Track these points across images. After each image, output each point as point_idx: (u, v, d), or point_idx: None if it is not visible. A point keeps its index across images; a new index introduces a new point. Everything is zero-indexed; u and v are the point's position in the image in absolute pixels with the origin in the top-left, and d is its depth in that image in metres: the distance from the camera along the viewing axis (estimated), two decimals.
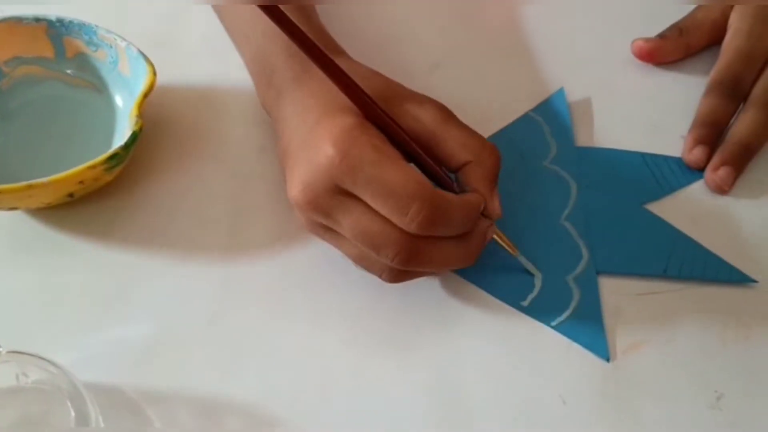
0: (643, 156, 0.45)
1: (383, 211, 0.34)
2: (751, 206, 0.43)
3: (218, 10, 0.47)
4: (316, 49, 0.34)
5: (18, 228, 0.41)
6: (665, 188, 0.44)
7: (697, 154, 0.44)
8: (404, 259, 0.35)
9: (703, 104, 0.47)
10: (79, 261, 0.40)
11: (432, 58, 0.50)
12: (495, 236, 0.38)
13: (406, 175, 0.33)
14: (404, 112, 0.37)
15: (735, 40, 0.48)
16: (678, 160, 0.45)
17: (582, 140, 0.46)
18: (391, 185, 0.33)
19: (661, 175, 0.44)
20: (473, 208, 0.36)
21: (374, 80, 0.38)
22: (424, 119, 0.36)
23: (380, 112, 0.35)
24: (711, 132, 0.45)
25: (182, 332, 0.37)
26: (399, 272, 0.36)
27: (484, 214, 0.37)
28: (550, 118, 0.46)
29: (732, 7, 0.49)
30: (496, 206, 0.37)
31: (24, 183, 0.36)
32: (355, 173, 0.33)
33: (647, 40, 0.50)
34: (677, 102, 0.48)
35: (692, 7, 0.51)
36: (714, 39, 0.50)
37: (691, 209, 0.43)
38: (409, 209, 0.33)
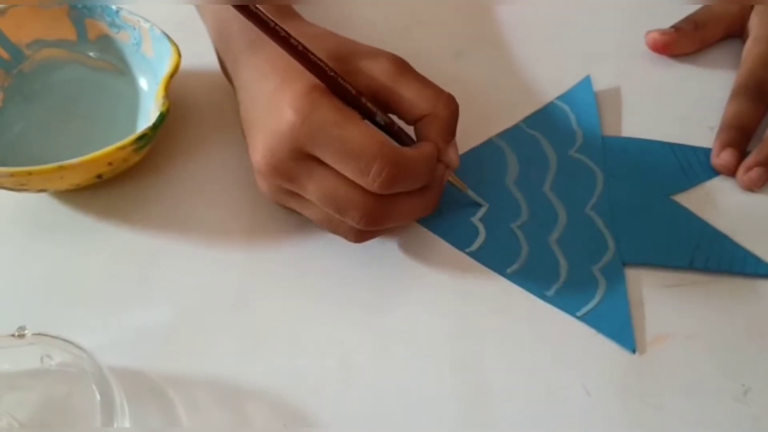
0: (671, 146, 0.44)
1: (346, 172, 0.34)
2: None
3: None
4: (260, 16, 0.33)
5: (45, 210, 0.41)
6: (693, 179, 0.43)
7: (725, 158, 0.44)
8: (369, 220, 0.36)
9: (729, 109, 0.46)
10: (104, 244, 0.40)
11: (456, 46, 0.50)
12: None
13: (365, 135, 0.34)
14: (358, 70, 0.37)
15: (756, 47, 0.48)
16: (706, 151, 0.44)
17: (608, 130, 0.45)
18: (351, 146, 0.34)
19: (689, 165, 0.44)
20: (431, 159, 0.36)
21: (326, 40, 0.38)
22: (378, 74, 0.37)
23: (332, 74, 0.35)
24: (738, 135, 0.45)
25: (205, 316, 0.37)
26: (364, 232, 0.38)
27: (441, 161, 0.37)
28: (576, 107, 0.46)
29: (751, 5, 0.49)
30: (452, 157, 0.38)
31: (56, 164, 0.36)
32: (316, 136, 0.34)
33: (663, 32, 0.50)
34: (704, 92, 0.48)
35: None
36: (730, 33, 0.50)
37: (719, 201, 0.42)
38: (370, 169, 0.34)
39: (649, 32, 0.50)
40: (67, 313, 0.37)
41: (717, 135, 0.45)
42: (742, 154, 0.44)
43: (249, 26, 0.35)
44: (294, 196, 0.37)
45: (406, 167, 0.35)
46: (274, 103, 0.35)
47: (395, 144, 0.35)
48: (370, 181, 0.34)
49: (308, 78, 0.35)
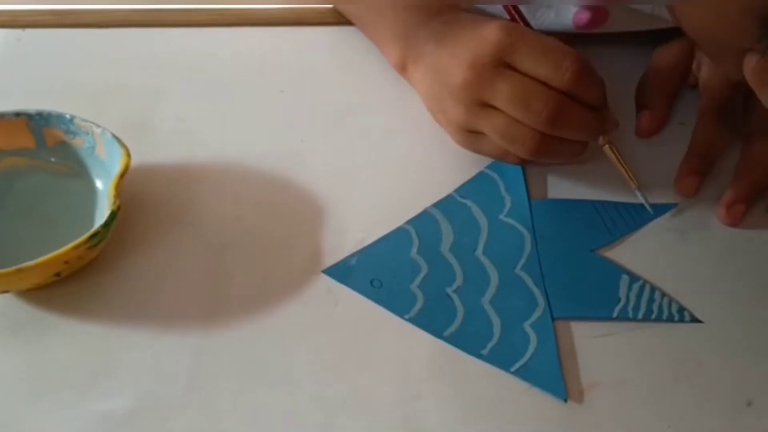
0: (594, 204, 0.48)
1: (540, 69, 0.42)
2: (698, 244, 0.46)
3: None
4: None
5: (9, 309, 0.43)
6: (616, 233, 0.46)
7: (688, 184, 0.47)
8: (552, 112, 0.42)
9: (697, 134, 0.49)
10: (66, 338, 0.42)
11: (391, 126, 0.53)
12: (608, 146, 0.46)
13: (560, 42, 0.42)
14: None
15: (715, 77, 0.51)
16: (628, 206, 0.47)
17: (535, 193, 0.48)
18: (549, 46, 0.42)
19: (612, 221, 0.47)
20: (604, 91, 0.44)
21: None
22: None
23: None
24: (704, 162, 0.48)
25: (162, 400, 0.39)
26: (542, 140, 0.43)
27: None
28: (504, 174, 0.49)
29: (693, 47, 0.52)
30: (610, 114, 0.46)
31: (14, 267, 0.39)
32: (517, 43, 0.42)
33: (646, 121, 0.52)
34: (626, 151, 0.51)
35: None
36: (684, 82, 0.54)
37: (644, 251, 0.45)
38: (563, 62, 0.41)
39: (638, 131, 0.52)
40: (33, 404, 0.39)
41: (684, 159, 0.49)
42: (703, 180, 0.48)
43: (435, 30, 0.47)
44: (484, 110, 0.44)
45: (591, 70, 0.43)
46: (473, 35, 0.43)
47: None
48: (563, 72, 0.41)
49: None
